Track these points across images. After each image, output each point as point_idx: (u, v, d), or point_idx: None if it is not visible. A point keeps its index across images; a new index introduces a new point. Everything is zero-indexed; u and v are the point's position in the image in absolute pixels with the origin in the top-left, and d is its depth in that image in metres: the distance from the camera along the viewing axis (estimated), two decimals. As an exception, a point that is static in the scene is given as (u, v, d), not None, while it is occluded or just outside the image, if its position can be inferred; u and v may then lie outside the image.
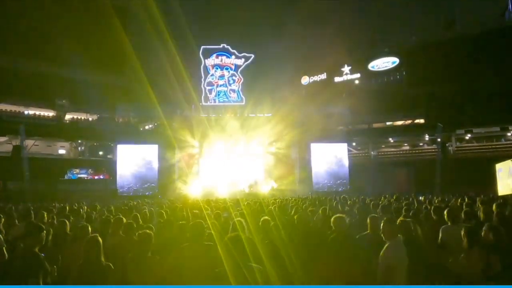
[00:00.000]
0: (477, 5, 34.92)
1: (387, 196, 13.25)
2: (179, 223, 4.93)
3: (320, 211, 6.42)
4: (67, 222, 5.10)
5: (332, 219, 4.14)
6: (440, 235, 4.45)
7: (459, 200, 8.94)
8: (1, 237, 4.23)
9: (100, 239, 3.37)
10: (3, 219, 6.00)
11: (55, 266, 3.58)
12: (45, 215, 6.63)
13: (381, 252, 3.43)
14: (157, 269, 3.43)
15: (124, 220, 4.99)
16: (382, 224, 3.60)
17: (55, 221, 6.16)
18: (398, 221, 3.80)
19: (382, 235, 3.57)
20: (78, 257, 3.36)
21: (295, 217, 5.09)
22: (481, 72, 28.92)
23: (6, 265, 3.43)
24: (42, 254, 3.40)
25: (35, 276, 3.13)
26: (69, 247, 4.33)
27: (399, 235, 3.56)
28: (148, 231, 3.74)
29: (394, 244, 3.39)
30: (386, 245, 3.42)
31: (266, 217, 4.60)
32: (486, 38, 29.92)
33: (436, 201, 9.58)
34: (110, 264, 3.31)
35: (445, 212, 4.75)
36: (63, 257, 4.04)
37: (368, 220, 4.20)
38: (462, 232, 3.59)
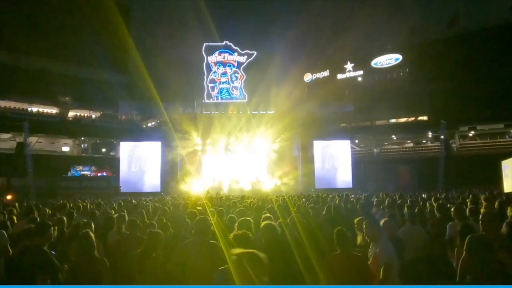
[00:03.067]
0: (482, 1, 34.65)
1: (389, 194, 13.13)
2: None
3: (325, 211, 6.42)
4: (65, 219, 5.08)
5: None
6: (448, 231, 4.47)
7: (460, 198, 8.88)
8: (6, 234, 4.24)
9: (92, 234, 3.39)
10: (14, 216, 6.03)
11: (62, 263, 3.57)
12: (49, 211, 6.64)
13: (371, 253, 3.45)
14: (161, 268, 3.41)
15: (127, 217, 4.99)
16: (364, 226, 3.58)
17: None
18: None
19: (366, 237, 3.54)
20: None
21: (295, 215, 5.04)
22: (485, 69, 28.72)
23: (15, 263, 3.43)
24: (53, 252, 3.40)
25: (45, 273, 3.11)
26: (69, 244, 4.33)
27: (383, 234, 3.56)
28: (158, 230, 3.75)
29: (383, 244, 3.41)
30: (378, 248, 3.40)
31: (268, 215, 4.61)
32: (491, 34, 29.67)
33: (439, 195, 9.53)
34: (104, 258, 3.33)
35: (452, 209, 4.80)
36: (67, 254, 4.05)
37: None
38: (458, 229, 3.57)
